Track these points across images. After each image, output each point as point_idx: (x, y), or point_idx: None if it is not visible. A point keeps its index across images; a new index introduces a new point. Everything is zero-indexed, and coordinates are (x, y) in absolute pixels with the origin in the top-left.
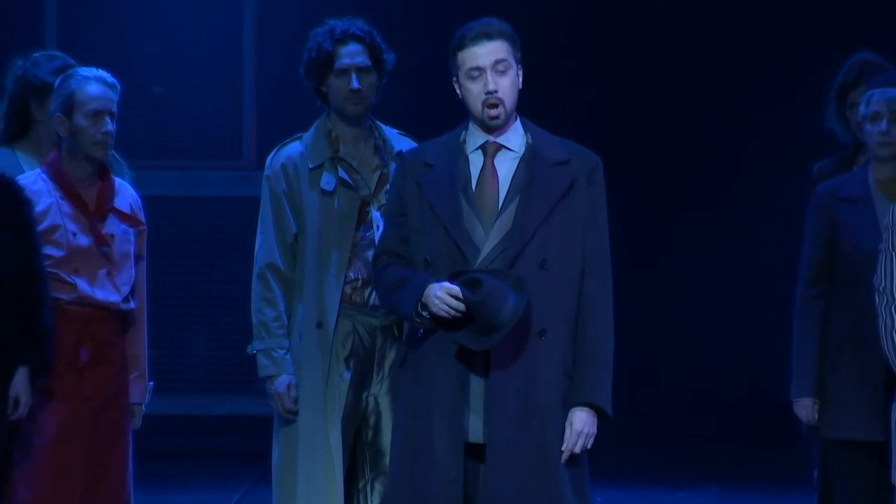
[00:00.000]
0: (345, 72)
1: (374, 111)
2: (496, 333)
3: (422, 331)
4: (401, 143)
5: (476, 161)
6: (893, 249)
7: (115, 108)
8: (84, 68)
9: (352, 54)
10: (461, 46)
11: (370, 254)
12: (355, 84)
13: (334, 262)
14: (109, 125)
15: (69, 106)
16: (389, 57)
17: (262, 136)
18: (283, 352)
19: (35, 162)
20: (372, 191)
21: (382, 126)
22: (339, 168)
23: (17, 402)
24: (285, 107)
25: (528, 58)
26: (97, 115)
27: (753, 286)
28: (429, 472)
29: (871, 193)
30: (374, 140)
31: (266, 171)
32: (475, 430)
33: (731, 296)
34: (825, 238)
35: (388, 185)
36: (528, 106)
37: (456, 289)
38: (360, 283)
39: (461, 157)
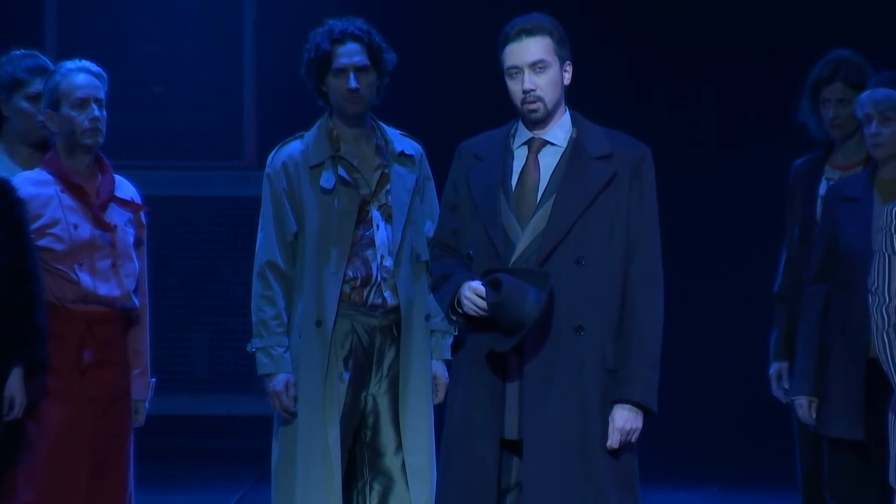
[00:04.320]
0: (343, 71)
1: (374, 111)
2: (517, 333)
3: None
4: (403, 143)
5: (520, 156)
6: (887, 251)
7: (101, 96)
8: (68, 62)
9: (350, 54)
10: (504, 42)
11: (369, 253)
12: (353, 83)
13: (334, 260)
14: (97, 111)
15: (55, 99)
16: (390, 56)
17: (263, 135)
18: (282, 350)
19: (5, 159)
20: (372, 190)
21: (385, 126)
22: (339, 167)
23: (12, 403)
24: (285, 107)
25: None
26: (83, 102)
27: (754, 286)
28: (466, 466)
29: (871, 193)
30: (375, 140)
31: (267, 170)
32: (511, 427)
33: (732, 295)
34: (828, 236)
35: (388, 185)
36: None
37: (481, 289)
38: (358, 281)
39: (507, 152)
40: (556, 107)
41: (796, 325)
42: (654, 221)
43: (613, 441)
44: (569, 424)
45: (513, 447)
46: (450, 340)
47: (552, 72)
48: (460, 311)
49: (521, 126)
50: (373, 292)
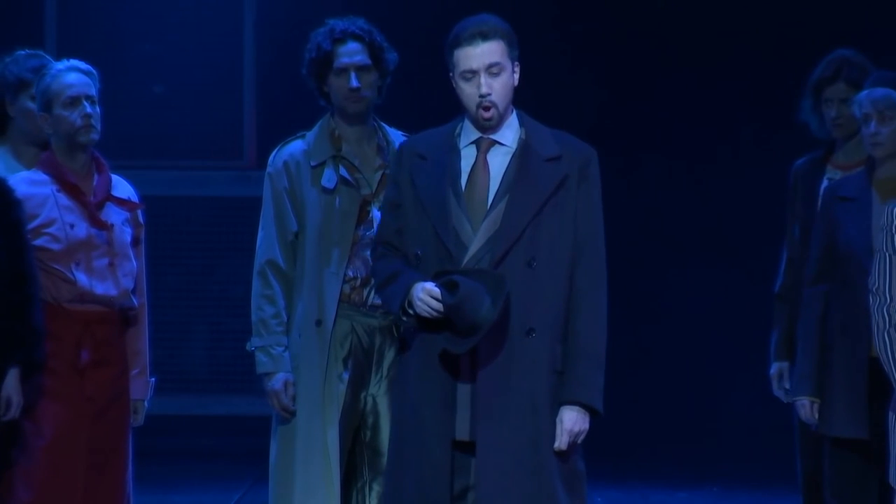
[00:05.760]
0: (344, 70)
1: (375, 111)
2: (473, 336)
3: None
4: None
5: (468, 156)
6: (888, 250)
7: (92, 93)
8: (58, 62)
9: (350, 53)
10: (456, 45)
11: (369, 253)
12: (354, 83)
13: (334, 260)
14: (88, 108)
15: (47, 101)
16: (391, 56)
17: (263, 135)
18: (281, 349)
19: (10, 160)
20: (373, 190)
21: (386, 127)
22: (340, 166)
23: (8, 403)
24: (285, 107)
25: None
26: (74, 101)
27: (754, 286)
28: (418, 468)
29: (869, 193)
30: (377, 140)
31: (268, 169)
32: (462, 428)
33: (732, 295)
34: (826, 236)
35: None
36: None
37: (436, 290)
38: (358, 281)
39: (454, 152)
40: (506, 109)
41: (797, 325)
42: (599, 223)
43: (562, 442)
44: (521, 427)
45: (467, 448)
46: None
47: (506, 75)
48: (411, 311)
49: (467, 125)
50: (373, 293)
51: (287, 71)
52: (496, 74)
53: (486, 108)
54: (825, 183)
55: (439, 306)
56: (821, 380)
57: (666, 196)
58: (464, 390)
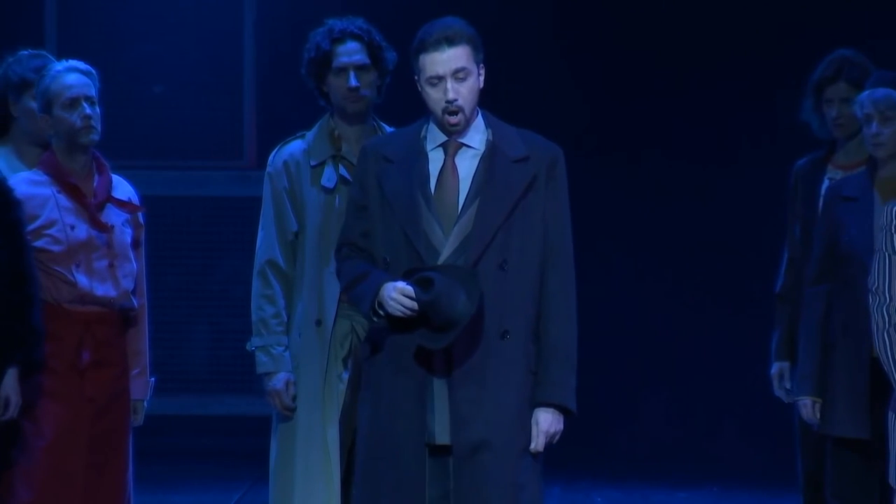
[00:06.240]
0: (343, 70)
1: (375, 111)
2: (451, 331)
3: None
4: None
5: (436, 159)
6: (887, 250)
7: (92, 93)
8: (57, 62)
9: (349, 52)
10: (422, 50)
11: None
12: (353, 82)
13: (334, 260)
14: (88, 109)
15: (47, 102)
16: (390, 55)
17: (262, 135)
18: (281, 349)
19: (14, 160)
20: None
21: (386, 126)
22: (340, 166)
23: (7, 403)
24: (285, 106)
25: (518, 51)
26: (74, 102)
27: (755, 285)
28: (393, 473)
29: (871, 193)
30: None
31: (268, 168)
32: (441, 432)
33: (733, 295)
34: (828, 236)
35: None
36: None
37: (409, 289)
38: None
39: (421, 155)
40: (472, 114)
41: (798, 325)
42: (567, 222)
43: (538, 444)
44: (499, 429)
45: (446, 452)
46: None
47: (472, 79)
48: (382, 312)
49: (433, 127)
50: None
51: (287, 71)
52: (462, 79)
53: (454, 114)
54: (826, 183)
55: (413, 304)
56: (822, 380)
57: (666, 196)
58: (441, 395)
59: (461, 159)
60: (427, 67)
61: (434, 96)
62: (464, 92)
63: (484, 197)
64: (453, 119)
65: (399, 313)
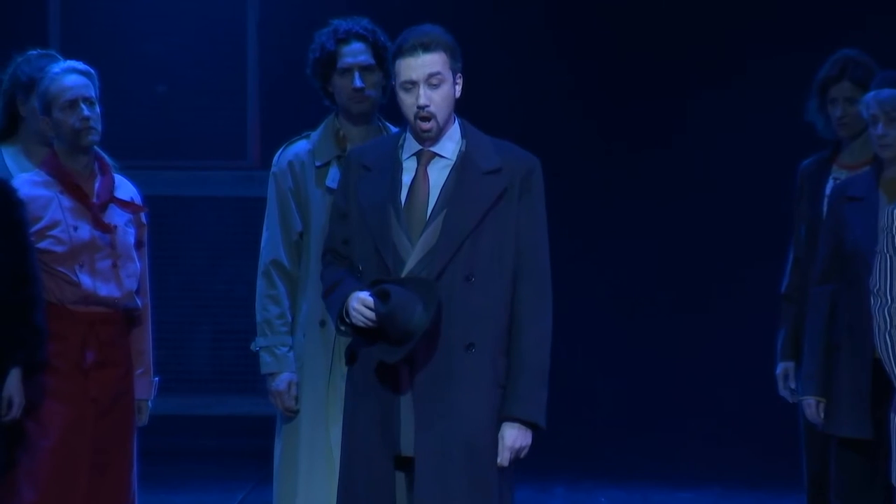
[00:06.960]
0: (348, 71)
1: (380, 111)
2: (406, 345)
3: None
4: None
5: (409, 168)
6: (888, 252)
7: (91, 94)
8: (56, 63)
9: (354, 53)
10: (398, 55)
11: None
12: (358, 83)
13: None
14: (86, 111)
15: (47, 104)
16: None
17: (266, 136)
18: (285, 349)
19: (22, 160)
20: None
21: (391, 127)
22: None
23: (10, 403)
24: (289, 107)
25: (512, 51)
26: (72, 104)
27: (760, 285)
28: (365, 485)
29: (876, 193)
30: None
31: (273, 169)
32: (407, 444)
33: (737, 295)
34: (833, 236)
35: None
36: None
37: (370, 300)
38: None
39: (396, 164)
40: (446, 121)
41: (803, 325)
42: (543, 235)
43: (504, 459)
44: (460, 442)
45: (411, 464)
46: None
47: (446, 87)
48: (348, 321)
49: (409, 137)
50: None
51: (291, 71)
52: (436, 86)
53: (425, 119)
54: (831, 183)
55: (372, 315)
56: (827, 380)
57: (668, 195)
58: (407, 406)
59: (433, 169)
60: (402, 72)
61: (407, 101)
62: (437, 99)
63: (451, 208)
64: (425, 125)
65: (360, 324)
